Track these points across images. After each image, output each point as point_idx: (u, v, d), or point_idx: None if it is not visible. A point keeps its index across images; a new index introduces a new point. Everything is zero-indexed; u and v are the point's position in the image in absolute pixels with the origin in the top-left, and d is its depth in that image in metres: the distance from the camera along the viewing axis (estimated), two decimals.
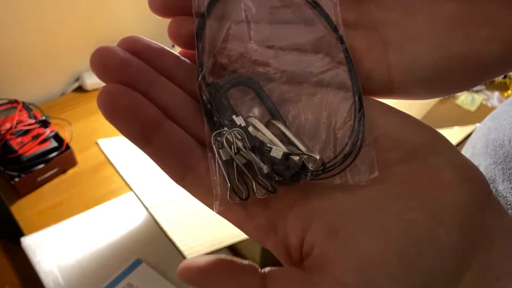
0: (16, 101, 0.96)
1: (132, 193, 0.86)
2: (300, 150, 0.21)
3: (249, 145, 0.20)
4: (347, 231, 0.19)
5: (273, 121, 0.21)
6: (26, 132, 0.89)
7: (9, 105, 0.95)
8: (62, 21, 1.04)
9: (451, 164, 0.21)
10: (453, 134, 0.98)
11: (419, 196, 0.20)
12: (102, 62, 0.20)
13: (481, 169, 0.40)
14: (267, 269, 0.19)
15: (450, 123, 1.01)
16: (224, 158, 0.20)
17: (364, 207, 0.20)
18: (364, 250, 0.19)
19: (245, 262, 0.19)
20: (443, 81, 0.23)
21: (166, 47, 0.22)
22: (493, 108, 1.10)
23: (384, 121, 0.22)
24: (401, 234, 0.19)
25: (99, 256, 0.76)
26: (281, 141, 0.21)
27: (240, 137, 0.20)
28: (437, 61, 0.22)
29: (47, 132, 0.90)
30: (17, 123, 0.90)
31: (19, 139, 0.87)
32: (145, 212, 0.83)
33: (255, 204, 0.21)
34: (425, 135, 0.22)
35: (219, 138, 0.20)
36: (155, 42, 0.22)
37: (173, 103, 0.21)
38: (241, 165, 0.20)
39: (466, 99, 1.13)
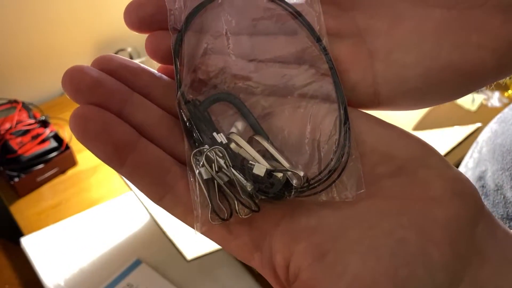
0: (15, 101, 0.96)
1: (132, 193, 0.86)
2: (283, 166, 0.20)
3: (230, 163, 0.19)
4: (335, 253, 0.19)
5: (255, 137, 0.21)
6: (26, 132, 0.89)
7: (8, 105, 0.95)
8: (61, 21, 1.04)
9: (441, 177, 0.20)
10: (453, 134, 0.98)
11: (409, 212, 0.19)
12: (73, 82, 0.19)
13: (488, 174, 0.39)
14: None
15: (450, 123, 1.01)
16: (204, 177, 0.20)
17: (352, 227, 0.19)
18: (354, 272, 0.18)
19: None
20: (432, 91, 0.22)
21: (142, 65, 0.22)
22: (493, 108, 1.10)
23: (371, 134, 0.21)
24: (391, 255, 0.18)
25: (99, 256, 0.76)
26: (264, 157, 0.20)
27: (221, 155, 0.19)
28: (426, 71, 0.22)
29: (47, 132, 0.90)
30: (16, 123, 0.90)
31: (18, 139, 0.87)
32: (145, 212, 0.83)
33: (239, 223, 0.20)
34: (414, 147, 0.21)
35: (198, 157, 0.20)
36: (130, 60, 0.22)
37: (148, 120, 0.20)
38: (222, 184, 0.20)
39: (466, 99, 1.13)
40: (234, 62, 0.21)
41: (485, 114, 1.07)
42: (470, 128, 1.00)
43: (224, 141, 0.20)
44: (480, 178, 0.43)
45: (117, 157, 0.19)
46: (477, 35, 0.22)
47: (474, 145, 0.44)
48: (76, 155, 0.92)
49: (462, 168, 0.49)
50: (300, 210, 0.20)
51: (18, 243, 0.77)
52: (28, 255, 0.75)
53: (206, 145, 0.20)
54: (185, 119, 0.20)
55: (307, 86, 0.22)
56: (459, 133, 0.99)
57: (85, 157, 0.94)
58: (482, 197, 0.41)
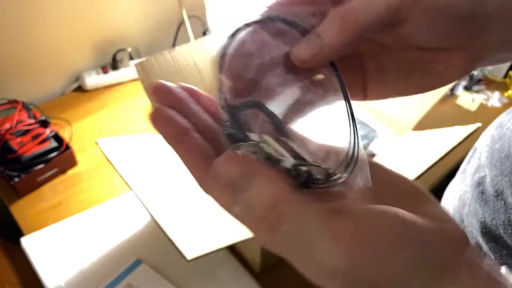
0: (15, 101, 0.96)
1: (131, 193, 0.86)
2: (307, 161, 0.23)
3: (262, 157, 0.22)
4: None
5: (281, 138, 0.24)
6: (26, 132, 0.89)
7: (8, 105, 0.95)
8: (62, 21, 1.04)
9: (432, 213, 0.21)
10: (453, 134, 0.98)
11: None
12: (163, 95, 0.25)
13: (487, 180, 0.39)
14: None
15: (450, 123, 1.01)
16: None
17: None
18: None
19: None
20: (450, 34, 0.24)
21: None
22: (493, 108, 1.10)
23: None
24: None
25: (99, 256, 0.76)
26: (290, 155, 0.23)
27: (254, 151, 0.22)
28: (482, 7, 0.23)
29: (47, 132, 0.90)
30: (16, 123, 0.90)
31: (18, 139, 0.87)
32: (145, 212, 0.83)
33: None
34: None
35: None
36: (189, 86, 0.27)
37: (202, 123, 0.25)
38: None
39: (466, 99, 1.13)
40: (266, 79, 0.25)
41: (485, 114, 1.07)
42: (470, 128, 1.01)
43: (257, 139, 0.23)
44: (479, 184, 0.43)
45: (177, 137, 0.23)
46: None
47: (471, 151, 0.44)
48: (76, 155, 0.92)
49: (459, 174, 0.49)
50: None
51: (18, 243, 0.77)
52: (28, 255, 0.75)
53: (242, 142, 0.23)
54: (225, 121, 0.24)
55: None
56: (459, 133, 0.99)
57: (85, 157, 0.94)
58: (482, 203, 0.41)
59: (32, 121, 0.92)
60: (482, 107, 1.11)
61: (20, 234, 0.79)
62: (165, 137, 0.24)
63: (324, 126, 0.25)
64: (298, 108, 0.26)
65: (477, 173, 0.42)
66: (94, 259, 0.75)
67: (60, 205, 0.85)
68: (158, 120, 0.24)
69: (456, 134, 0.98)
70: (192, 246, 0.76)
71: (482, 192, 0.41)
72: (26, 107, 0.95)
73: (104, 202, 0.85)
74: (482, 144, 0.42)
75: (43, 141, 0.88)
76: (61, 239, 0.78)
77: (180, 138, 0.24)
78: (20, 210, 0.84)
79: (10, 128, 0.88)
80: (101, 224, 0.81)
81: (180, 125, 0.24)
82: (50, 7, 1.00)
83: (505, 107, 1.10)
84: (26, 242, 0.77)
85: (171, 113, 0.24)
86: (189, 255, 0.75)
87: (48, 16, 1.01)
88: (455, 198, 0.51)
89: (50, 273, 0.73)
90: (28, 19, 0.98)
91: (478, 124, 1.01)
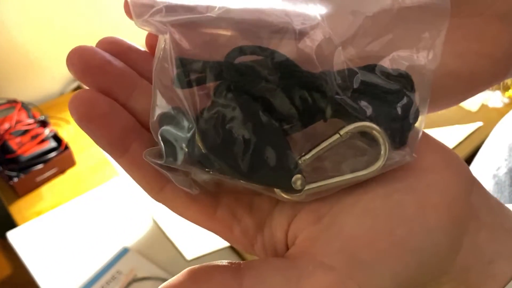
0: (15, 101, 0.96)
1: (116, 179, 0.87)
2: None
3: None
4: (331, 215, 0.19)
5: None
6: (25, 132, 0.89)
7: (8, 105, 0.95)
8: (61, 21, 1.04)
9: (432, 151, 0.20)
10: (455, 133, 0.98)
11: (403, 179, 0.19)
12: (82, 61, 0.19)
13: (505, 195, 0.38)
14: (243, 262, 0.18)
15: (451, 123, 1.01)
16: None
17: (348, 193, 0.19)
18: (350, 231, 0.18)
19: (217, 262, 0.18)
20: (434, 99, 0.23)
21: (146, 50, 0.21)
22: (494, 108, 1.09)
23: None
24: (388, 215, 0.18)
25: (86, 245, 0.76)
26: None
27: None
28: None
29: (46, 132, 0.90)
30: (16, 123, 0.89)
31: (18, 139, 0.87)
32: (131, 199, 0.83)
33: (241, 206, 0.20)
34: None
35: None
36: (137, 45, 0.21)
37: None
38: None
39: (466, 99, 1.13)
40: None
41: (485, 114, 1.07)
42: (471, 127, 1.00)
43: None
44: None
45: (121, 143, 0.19)
46: (477, 43, 0.23)
47: (508, 152, 0.42)
48: (75, 155, 0.92)
49: (490, 180, 0.45)
50: None
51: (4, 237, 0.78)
52: (14, 248, 0.75)
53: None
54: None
55: None
56: (460, 132, 0.98)
57: (84, 157, 0.93)
58: None
59: (31, 121, 0.91)
60: (483, 107, 1.11)
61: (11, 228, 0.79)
62: (102, 143, 0.19)
63: None
64: None
65: None
66: (80, 249, 0.76)
67: (59, 205, 0.85)
68: (89, 118, 0.18)
69: (457, 133, 0.98)
70: (192, 246, 0.76)
71: None
72: (25, 107, 0.95)
73: (88, 191, 0.86)
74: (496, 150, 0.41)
75: (42, 141, 0.88)
76: (47, 231, 0.78)
77: (127, 143, 0.19)
78: (19, 210, 0.83)
79: (9, 128, 0.88)
80: (86, 213, 0.82)
81: (127, 122, 0.19)
82: (50, 7, 1.00)
83: (506, 107, 1.10)
84: (12, 236, 0.77)
85: (110, 103, 0.19)
86: (189, 255, 0.75)
87: (47, 16, 1.01)
88: None
89: (38, 265, 0.73)
90: (28, 19, 0.98)
91: (479, 123, 1.00)
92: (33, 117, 0.93)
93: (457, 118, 1.05)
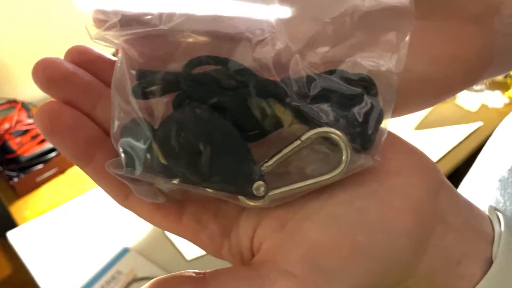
0: (15, 101, 0.96)
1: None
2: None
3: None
4: (296, 221, 0.19)
5: None
6: (25, 132, 0.89)
7: (8, 105, 0.95)
8: (61, 21, 1.04)
9: (397, 153, 0.20)
10: (455, 133, 0.98)
11: (367, 183, 0.19)
12: (45, 74, 0.19)
13: None
14: (208, 272, 0.18)
15: (451, 123, 1.01)
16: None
17: (311, 199, 0.19)
18: (313, 238, 0.18)
19: (183, 272, 0.18)
20: (406, 102, 0.23)
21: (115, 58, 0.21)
22: (494, 108, 1.09)
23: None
24: (350, 221, 0.18)
25: (86, 245, 0.77)
26: None
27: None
28: (401, 84, 0.21)
29: None
30: (16, 123, 0.90)
31: (18, 139, 0.87)
32: None
33: (206, 213, 0.20)
34: None
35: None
36: (104, 52, 0.21)
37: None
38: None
39: (467, 99, 1.13)
40: None
41: (485, 114, 1.07)
42: (471, 127, 1.00)
43: None
44: None
45: (86, 153, 0.19)
46: (452, 46, 0.22)
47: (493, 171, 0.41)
48: None
49: (495, 183, 0.43)
50: None
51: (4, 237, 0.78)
52: (14, 248, 0.76)
53: None
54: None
55: None
56: (460, 132, 0.99)
57: None
58: None
59: (31, 121, 0.91)
60: (483, 107, 1.11)
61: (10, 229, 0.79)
62: (67, 153, 0.20)
63: None
64: None
65: None
66: (81, 249, 0.76)
67: (59, 205, 0.85)
68: (53, 129, 0.19)
69: (457, 133, 0.98)
70: (192, 246, 0.76)
71: None
72: (25, 107, 0.95)
73: (88, 191, 0.86)
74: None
75: (42, 141, 0.88)
76: (47, 231, 0.79)
77: (91, 153, 0.20)
78: (19, 210, 0.84)
79: (9, 128, 0.88)
80: (86, 213, 0.82)
81: (92, 132, 0.20)
82: (50, 7, 1.00)
83: (506, 107, 1.10)
84: (12, 236, 0.77)
85: (74, 114, 0.19)
86: (189, 255, 0.75)
87: (47, 16, 1.01)
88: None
89: (38, 265, 0.73)
90: (28, 19, 0.98)
91: (479, 123, 1.00)
92: (33, 117, 0.93)
93: (457, 118, 1.05)
